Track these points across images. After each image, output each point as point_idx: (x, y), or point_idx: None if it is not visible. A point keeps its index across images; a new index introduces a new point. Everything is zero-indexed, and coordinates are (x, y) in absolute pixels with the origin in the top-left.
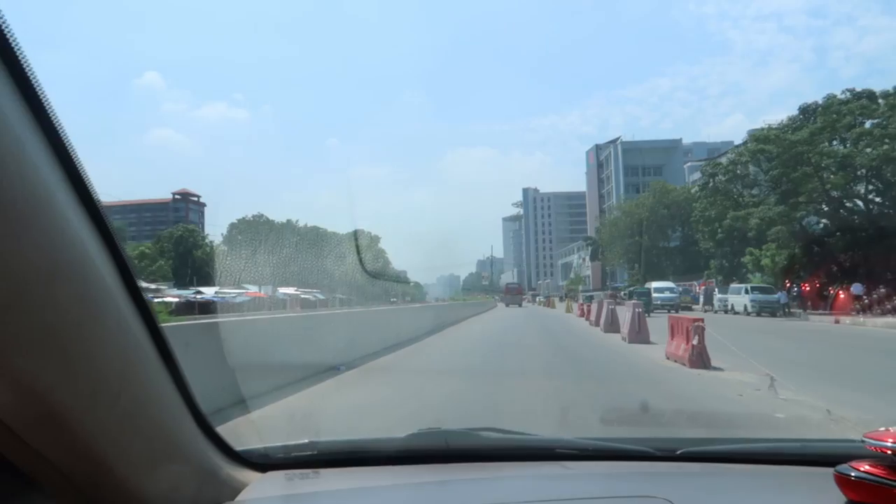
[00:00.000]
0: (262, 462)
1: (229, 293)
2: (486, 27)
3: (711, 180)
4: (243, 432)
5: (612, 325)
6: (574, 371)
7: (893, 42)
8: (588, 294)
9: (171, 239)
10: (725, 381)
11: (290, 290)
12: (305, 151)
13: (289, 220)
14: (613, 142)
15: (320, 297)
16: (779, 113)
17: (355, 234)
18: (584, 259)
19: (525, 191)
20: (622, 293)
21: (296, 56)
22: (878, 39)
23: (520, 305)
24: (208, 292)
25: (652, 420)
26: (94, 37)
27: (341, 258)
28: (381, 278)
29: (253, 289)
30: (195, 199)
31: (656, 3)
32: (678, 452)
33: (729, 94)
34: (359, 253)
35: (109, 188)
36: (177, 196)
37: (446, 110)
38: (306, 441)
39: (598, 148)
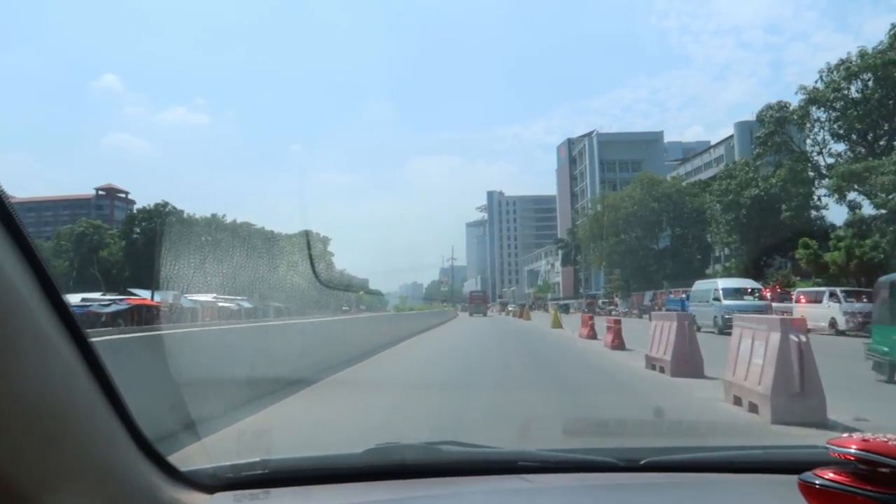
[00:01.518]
0: (210, 483)
1: (99, 301)
2: (453, 37)
3: (779, 129)
4: (192, 454)
5: (690, 362)
6: None
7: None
8: (563, 303)
9: (70, 237)
10: None
11: (204, 297)
12: (268, 157)
13: (214, 215)
14: (588, 135)
15: (246, 305)
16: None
17: (307, 236)
18: (552, 265)
19: (490, 194)
20: (600, 301)
21: (260, 61)
22: (830, 56)
23: (484, 315)
24: (74, 299)
25: (616, 430)
26: (48, 36)
27: (277, 261)
28: (330, 286)
29: (144, 295)
30: (123, 195)
31: (620, 16)
32: (642, 462)
33: (689, 106)
34: (310, 257)
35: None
36: (101, 192)
37: (411, 118)
38: (257, 460)
39: (571, 142)
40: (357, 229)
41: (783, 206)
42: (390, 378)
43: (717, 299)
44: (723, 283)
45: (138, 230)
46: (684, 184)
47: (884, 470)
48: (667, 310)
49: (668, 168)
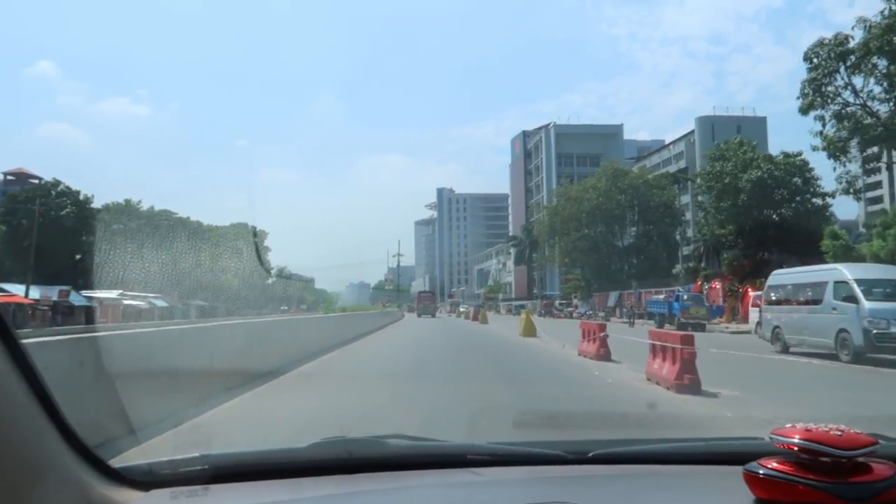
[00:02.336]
0: (146, 480)
1: None
2: (405, 37)
3: (835, 72)
4: (129, 454)
5: None
6: None
7: (784, 70)
8: (518, 304)
9: None
10: None
11: (107, 294)
12: (213, 152)
13: (128, 201)
14: (545, 127)
15: (161, 303)
16: (679, 132)
17: (253, 231)
18: (504, 264)
19: (440, 191)
20: (557, 302)
21: (206, 53)
22: (770, 67)
23: (433, 315)
24: None
25: (565, 423)
26: None
27: (202, 255)
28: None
29: (17, 291)
30: (36, 180)
31: (571, 22)
32: (590, 455)
33: (637, 111)
34: (258, 252)
35: None
36: (10, 177)
37: (362, 116)
38: (196, 455)
39: (526, 135)
40: (304, 227)
41: (803, 190)
42: None
43: (849, 299)
44: (853, 269)
45: (24, 217)
46: (651, 176)
47: (825, 459)
48: (650, 313)
49: (627, 165)
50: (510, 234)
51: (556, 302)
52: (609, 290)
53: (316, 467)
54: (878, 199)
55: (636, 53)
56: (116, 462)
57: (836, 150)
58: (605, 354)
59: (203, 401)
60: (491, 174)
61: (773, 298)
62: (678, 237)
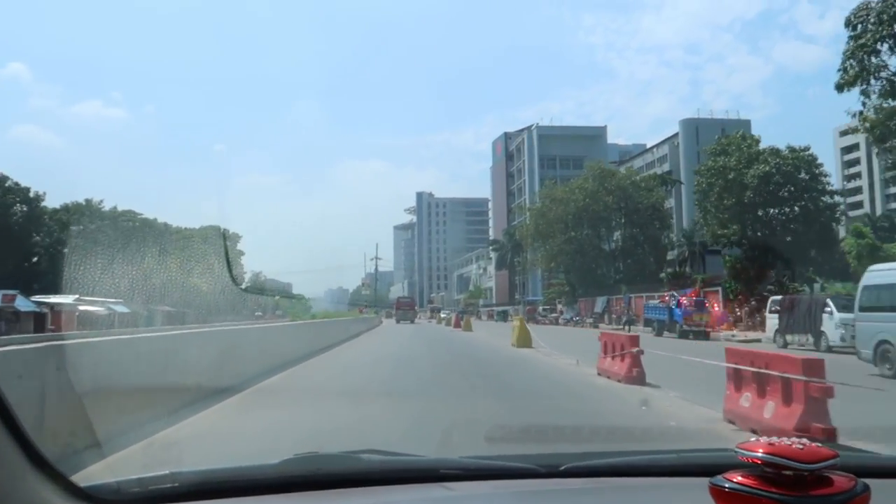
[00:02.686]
0: (114, 499)
1: None
2: (385, 43)
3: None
4: (96, 471)
5: None
6: None
7: (758, 80)
8: (500, 310)
9: None
10: None
11: (60, 299)
12: (190, 156)
13: (88, 201)
14: (527, 128)
15: (121, 309)
16: (658, 139)
17: (223, 234)
18: (485, 269)
19: (419, 195)
20: (541, 308)
21: (182, 56)
22: (744, 76)
23: (412, 322)
24: None
25: (537, 437)
26: None
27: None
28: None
29: None
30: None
31: (550, 30)
32: (562, 468)
33: (615, 118)
34: (226, 255)
35: None
36: None
37: (340, 121)
38: (166, 472)
39: (508, 137)
40: (282, 232)
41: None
42: None
43: None
44: None
45: None
46: (639, 177)
47: (788, 473)
48: (646, 319)
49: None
50: (491, 238)
51: (540, 308)
52: (595, 296)
53: (287, 484)
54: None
55: (613, 61)
56: (82, 479)
57: (881, 131)
58: (638, 377)
59: (171, 414)
60: (471, 179)
61: (873, 304)
62: (665, 241)
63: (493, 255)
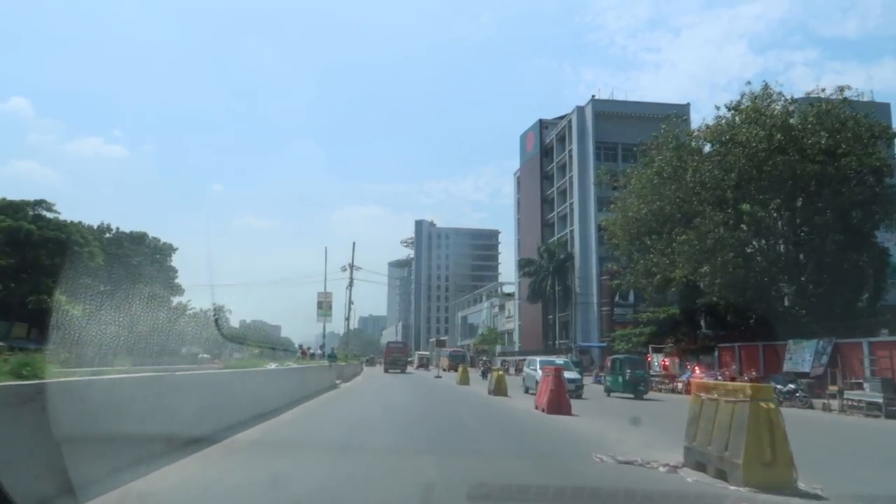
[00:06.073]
0: None
1: None
2: (381, 88)
3: None
4: None
5: None
6: None
7: None
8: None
9: None
10: None
11: None
12: (187, 195)
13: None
14: (578, 108)
15: None
16: None
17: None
18: (501, 307)
19: (419, 223)
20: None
21: (183, 96)
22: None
23: (403, 371)
24: None
25: (520, 497)
26: None
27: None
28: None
29: None
30: None
31: (550, 83)
32: None
33: None
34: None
35: None
36: None
37: (337, 166)
38: None
39: (544, 126)
40: (275, 275)
41: None
42: None
43: None
44: None
45: None
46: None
47: None
48: None
49: None
50: (499, 278)
51: (607, 361)
52: (767, 338)
53: None
54: None
55: None
56: None
57: None
58: None
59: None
60: (471, 226)
61: None
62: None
63: (512, 286)
